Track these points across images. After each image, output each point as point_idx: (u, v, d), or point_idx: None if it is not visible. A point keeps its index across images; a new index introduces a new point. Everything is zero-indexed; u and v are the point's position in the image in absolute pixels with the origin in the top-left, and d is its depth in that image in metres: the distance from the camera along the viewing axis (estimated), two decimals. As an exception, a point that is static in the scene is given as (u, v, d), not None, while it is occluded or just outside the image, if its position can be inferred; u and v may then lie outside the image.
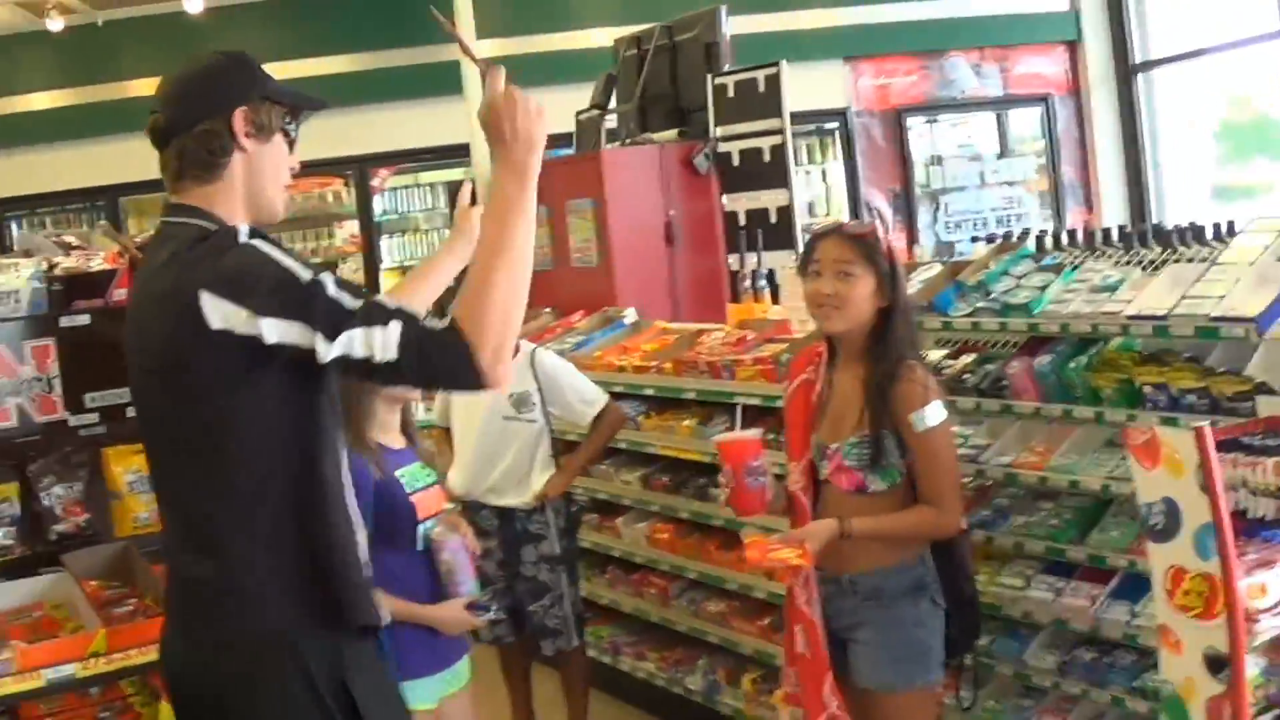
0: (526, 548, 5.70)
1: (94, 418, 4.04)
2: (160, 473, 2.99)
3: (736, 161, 7.46)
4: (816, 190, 11.78)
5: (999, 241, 4.77)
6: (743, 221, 7.42)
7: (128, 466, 4.14)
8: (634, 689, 6.45)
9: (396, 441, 4.48)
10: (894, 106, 12.36)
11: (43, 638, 3.89)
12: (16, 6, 10.46)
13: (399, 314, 2.58)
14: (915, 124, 12.43)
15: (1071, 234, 4.62)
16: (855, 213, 11.68)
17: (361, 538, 3.01)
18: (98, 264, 4.16)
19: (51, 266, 4.18)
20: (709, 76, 7.59)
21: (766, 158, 7.33)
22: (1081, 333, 4.13)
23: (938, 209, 12.31)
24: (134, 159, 10.83)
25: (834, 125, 11.92)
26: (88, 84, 11.44)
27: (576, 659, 5.92)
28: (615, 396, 6.41)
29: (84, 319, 4.01)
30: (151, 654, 3.69)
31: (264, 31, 11.51)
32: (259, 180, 2.86)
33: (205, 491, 2.80)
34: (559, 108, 8.38)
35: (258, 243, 2.71)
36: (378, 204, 11.52)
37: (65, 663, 3.71)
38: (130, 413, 3.91)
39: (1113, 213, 12.25)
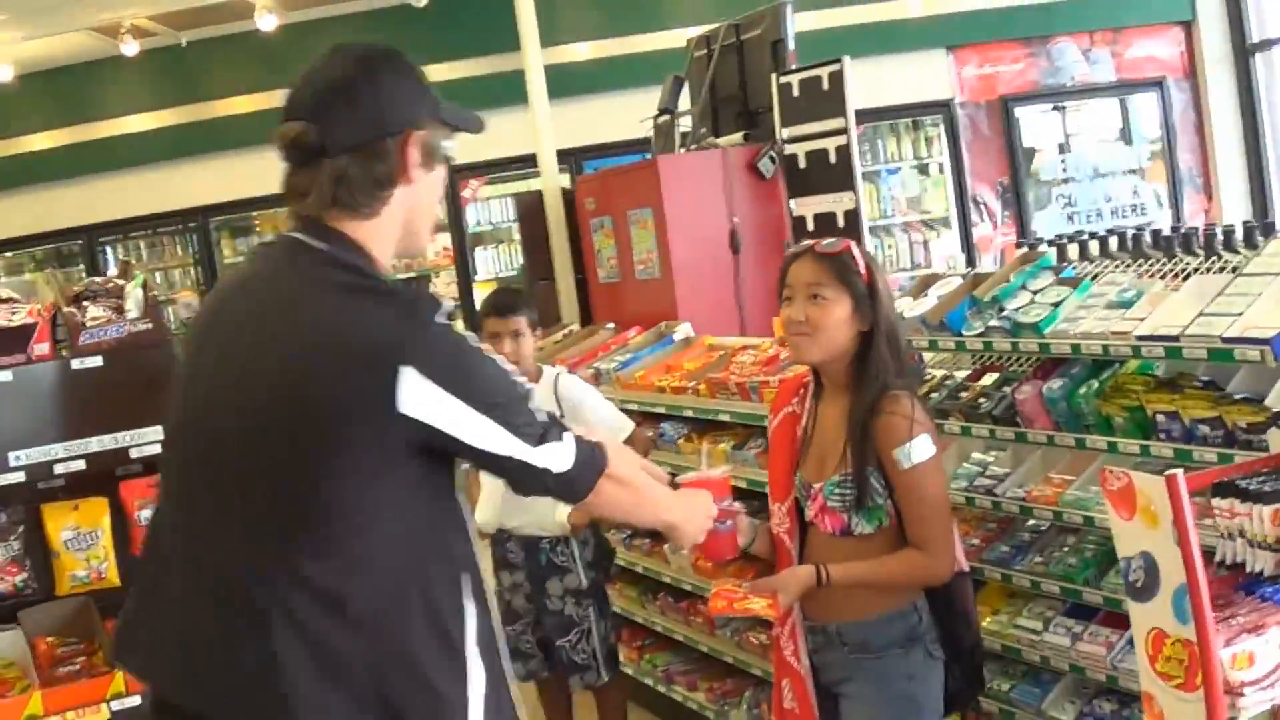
0: (552, 580, 5.51)
1: (20, 476, 3.88)
2: (193, 524, 2.44)
3: (803, 164, 7.10)
4: (919, 186, 11.32)
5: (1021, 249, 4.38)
6: (810, 226, 7.07)
7: (63, 523, 4.03)
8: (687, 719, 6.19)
9: None
10: (1000, 96, 11.83)
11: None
12: (93, 32, 10.47)
13: (563, 425, 2.51)
14: (1023, 113, 11.86)
15: (1104, 240, 4.23)
16: (962, 208, 11.21)
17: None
18: (19, 318, 4.01)
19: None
20: (774, 75, 7.25)
21: (832, 159, 6.96)
22: (1093, 354, 3.73)
23: (1049, 201, 11.75)
24: (224, 179, 10.99)
25: (938, 117, 11.45)
26: (175, 105, 11.48)
27: (610, 694, 5.69)
28: (658, 419, 6.17)
29: (5, 375, 3.87)
30: (89, 715, 3.61)
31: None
32: (419, 217, 2.52)
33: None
34: (641, 110, 8.26)
35: (458, 326, 2.42)
36: (470, 215, 11.34)
37: None
38: (59, 469, 3.80)
39: (1233, 201, 11.60)
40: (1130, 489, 2.85)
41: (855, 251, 3.63)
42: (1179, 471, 2.73)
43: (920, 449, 3.48)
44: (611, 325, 7.29)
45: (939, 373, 4.53)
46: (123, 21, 10.46)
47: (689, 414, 5.84)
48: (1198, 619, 2.69)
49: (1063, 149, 11.93)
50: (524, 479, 2.48)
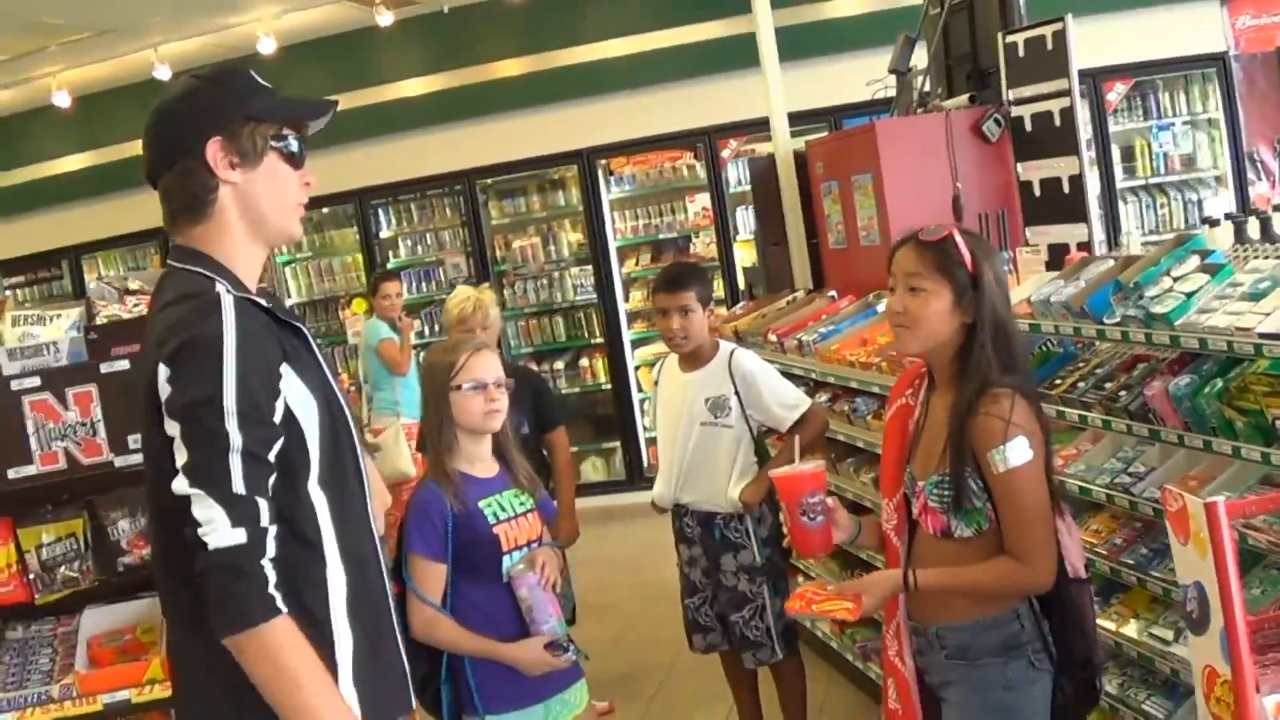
0: (726, 556, 5.49)
1: (138, 458, 4.01)
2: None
3: (1029, 127, 6.76)
4: (1192, 143, 10.63)
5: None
6: (1037, 192, 6.74)
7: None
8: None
9: (485, 470, 4.27)
10: (1278, 48, 10.86)
11: (128, 660, 4.05)
12: (351, 3, 10.75)
13: (256, 530, 2.46)
14: (1305, 63, 10.92)
15: (1266, 220, 3.89)
16: (1238, 165, 10.49)
17: None
18: (139, 309, 4.15)
19: (93, 316, 4.20)
20: (1000, 34, 6.91)
21: (1057, 121, 6.60)
22: (1218, 350, 3.43)
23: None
24: (490, 142, 11.16)
25: (1210, 71, 10.72)
26: (443, 70, 11.66)
27: (787, 672, 5.61)
28: (853, 393, 6.01)
29: (123, 364, 3.97)
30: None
31: (613, 5, 11.45)
32: (256, 210, 2.70)
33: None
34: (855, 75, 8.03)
35: (229, 332, 2.50)
36: (730, 175, 11.23)
37: (121, 688, 3.91)
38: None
39: None
40: (1184, 512, 2.61)
41: (959, 239, 3.40)
42: (1220, 499, 2.47)
43: (1016, 453, 3.23)
44: (832, 293, 7.12)
45: (1093, 360, 4.25)
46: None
47: (876, 390, 5.66)
48: (1234, 662, 2.45)
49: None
50: (179, 513, 2.48)
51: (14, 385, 3.91)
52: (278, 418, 2.53)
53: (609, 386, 11.71)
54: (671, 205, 11.36)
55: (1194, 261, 3.74)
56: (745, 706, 5.83)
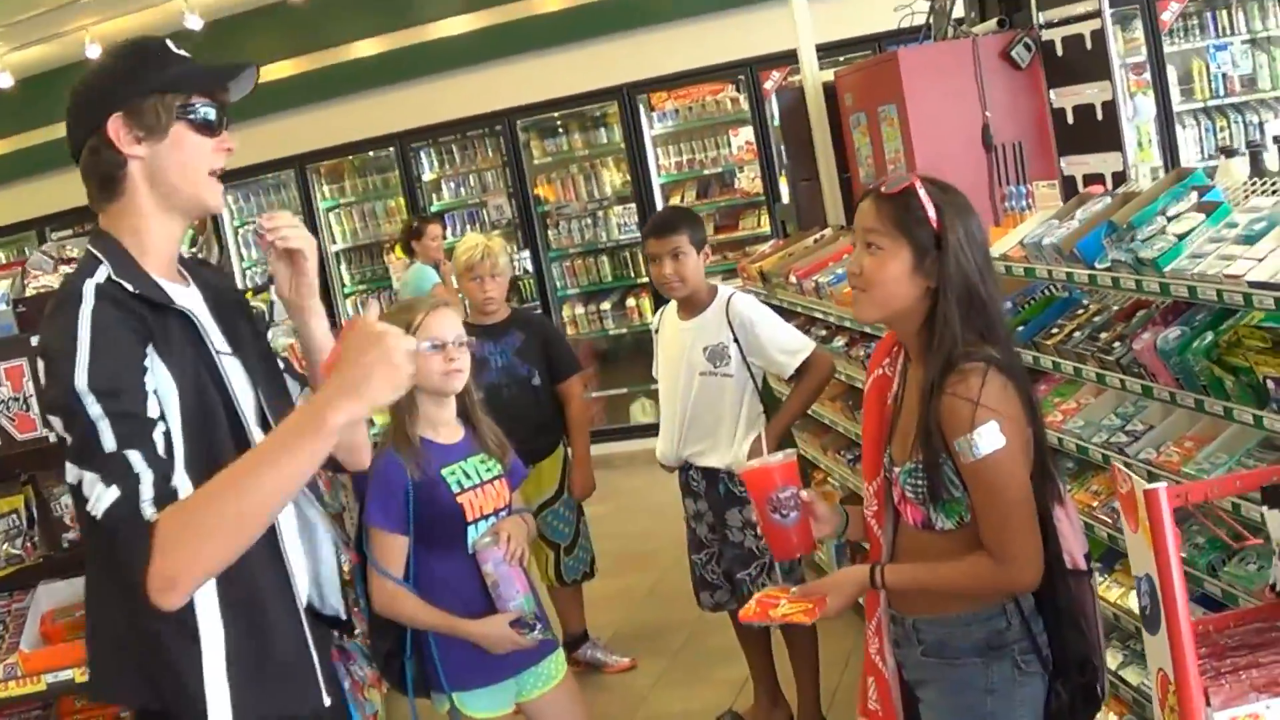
0: (732, 512, 5.29)
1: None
2: None
3: (1060, 51, 6.38)
4: (1252, 63, 10.08)
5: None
6: (1070, 120, 6.36)
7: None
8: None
9: (449, 435, 4.06)
10: None
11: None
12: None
13: (129, 481, 2.36)
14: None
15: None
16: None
17: None
18: (54, 280, 4.06)
19: (24, 288, 4.13)
20: (1030, -48, 6.53)
21: (1088, 45, 6.22)
22: (1208, 300, 3.09)
23: None
24: (530, 81, 10.89)
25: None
26: (485, 8, 11.39)
27: (798, 634, 5.32)
28: (865, 339, 5.72)
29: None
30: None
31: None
32: (166, 183, 2.66)
33: None
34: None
35: (83, 319, 2.47)
36: (774, 107, 10.85)
37: (66, 667, 3.88)
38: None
39: None
40: (1132, 495, 2.29)
41: (921, 192, 2.97)
42: (1161, 486, 2.15)
43: (985, 439, 2.84)
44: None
45: (1092, 306, 3.91)
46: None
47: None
48: (1177, 669, 2.13)
49: None
50: (76, 499, 2.45)
51: (-59, 363, 3.85)
52: (146, 385, 2.47)
53: (657, 326, 11.40)
54: (715, 140, 11.04)
55: (1191, 199, 3.38)
56: (759, 669, 5.59)
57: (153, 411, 2.46)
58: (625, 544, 8.17)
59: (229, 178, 9.68)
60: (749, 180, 10.92)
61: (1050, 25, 6.38)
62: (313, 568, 2.87)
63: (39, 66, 12.14)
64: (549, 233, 11.63)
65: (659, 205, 11.12)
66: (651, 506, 8.90)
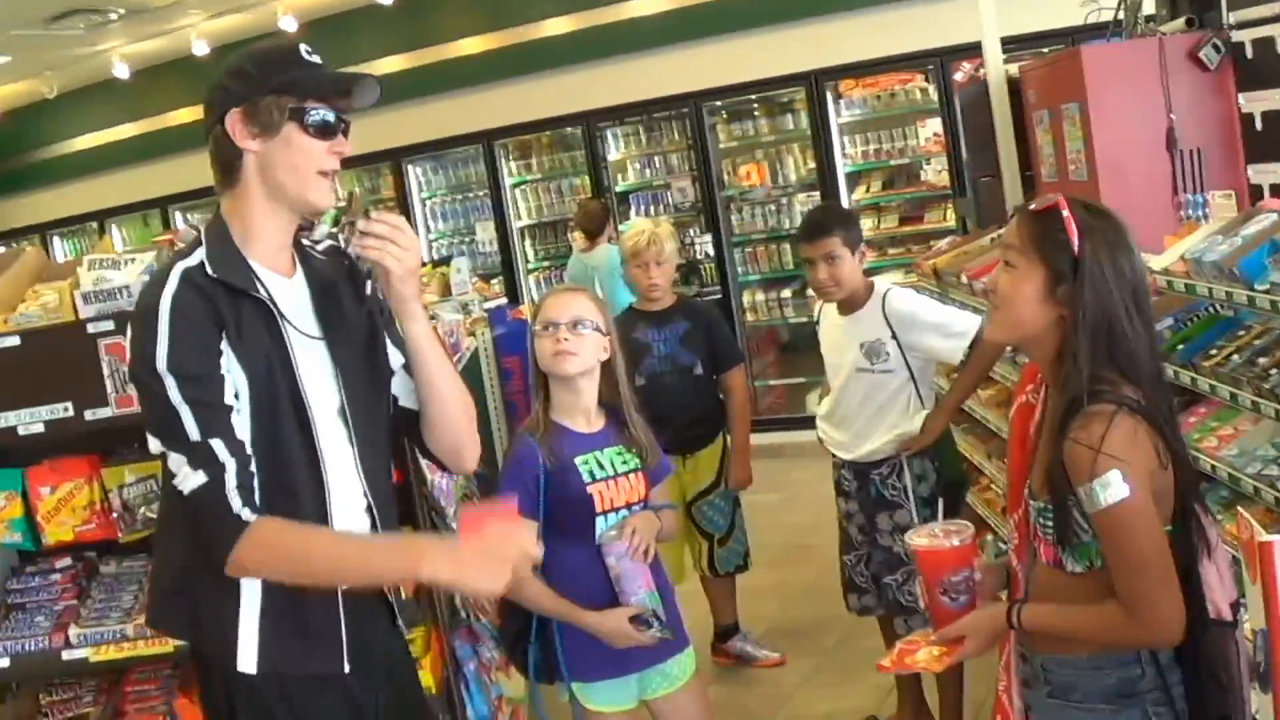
0: (881, 515, 5.22)
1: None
2: None
3: (1250, 53, 6.13)
4: None
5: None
6: (1259, 125, 6.11)
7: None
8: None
9: (586, 424, 4.04)
10: None
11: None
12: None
13: (214, 468, 2.71)
14: None
15: None
16: None
17: None
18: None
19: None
20: (1228, -50, 6.28)
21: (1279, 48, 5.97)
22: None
23: None
24: (718, 63, 10.84)
25: None
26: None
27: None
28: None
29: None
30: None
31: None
32: (274, 177, 2.86)
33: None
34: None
35: (165, 301, 2.74)
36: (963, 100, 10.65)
37: None
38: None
39: None
40: (1254, 544, 2.17)
41: (1066, 214, 2.83)
42: (1278, 539, 2.03)
43: (1108, 489, 2.69)
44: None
45: (1257, 328, 3.75)
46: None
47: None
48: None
49: None
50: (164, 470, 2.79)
51: (90, 329, 3.95)
52: (221, 370, 2.74)
53: (839, 315, 11.28)
54: (903, 130, 10.85)
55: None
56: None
57: (229, 397, 2.73)
58: (789, 536, 8.10)
59: (419, 150, 9.92)
60: (936, 173, 10.73)
61: (1241, 26, 6.13)
62: None
63: (154, 59, 12.63)
64: (732, 218, 11.56)
65: (844, 194, 10.99)
66: (820, 498, 8.74)
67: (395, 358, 3.11)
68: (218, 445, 2.71)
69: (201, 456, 2.70)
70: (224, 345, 2.75)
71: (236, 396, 2.76)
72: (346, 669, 2.93)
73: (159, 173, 13.24)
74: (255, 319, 2.83)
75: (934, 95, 10.52)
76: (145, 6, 10.72)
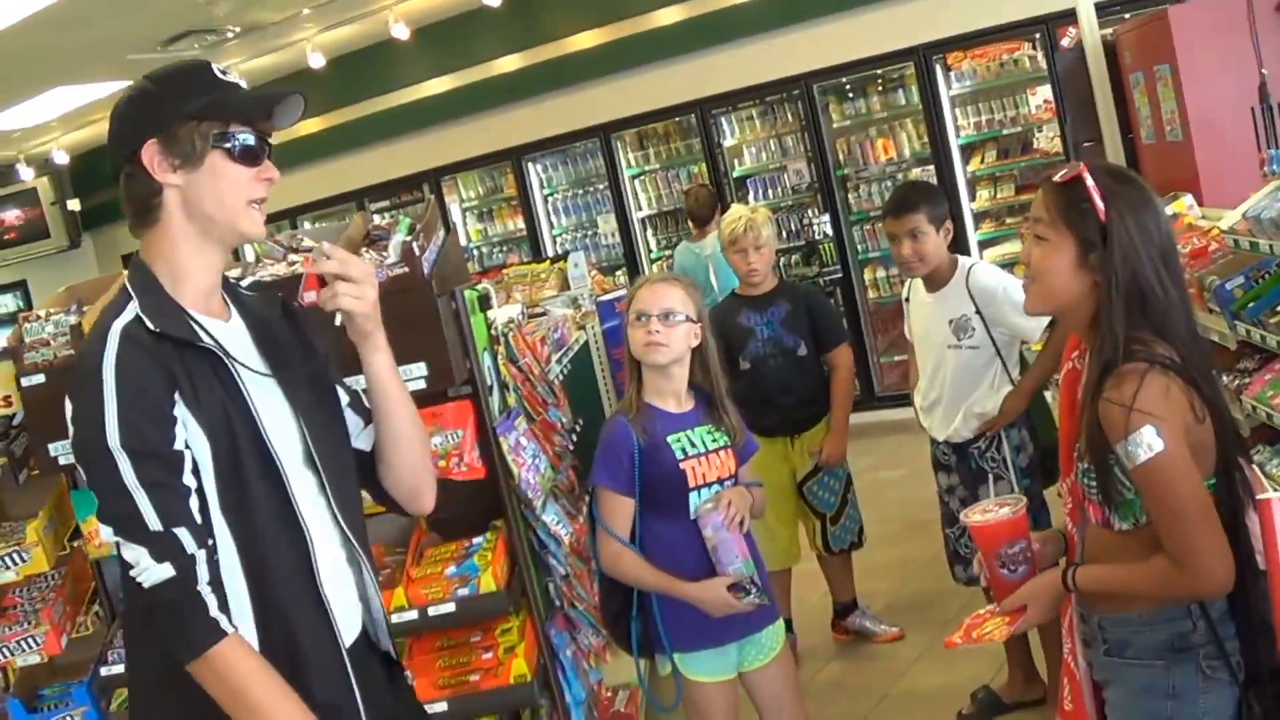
0: (983, 487, 5.24)
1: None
2: None
3: (1342, 5, 6.09)
4: None
5: None
6: (1352, 78, 6.07)
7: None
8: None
9: (678, 405, 4.21)
10: None
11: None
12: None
13: (182, 560, 2.48)
14: None
15: None
16: None
17: None
18: (295, 268, 4.12)
19: (240, 276, 4.27)
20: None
21: (1371, -2, 5.92)
22: None
23: None
24: (826, 44, 10.86)
25: None
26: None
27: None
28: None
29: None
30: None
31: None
32: (201, 213, 2.64)
33: None
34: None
35: (108, 366, 2.50)
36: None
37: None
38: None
39: None
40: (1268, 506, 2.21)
41: (1090, 182, 2.89)
42: (1276, 496, 2.07)
43: (1142, 445, 2.76)
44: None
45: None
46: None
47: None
48: None
49: None
50: (120, 562, 2.54)
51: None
52: (178, 443, 2.51)
53: (957, 290, 11.23)
54: (1014, 99, 10.77)
55: None
56: (1014, 648, 5.55)
57: (188, 478, 2.52)
58: (912, 512, 8.15)
59: (539, 147, 10.07)
60: (1048, 140, 10.62)
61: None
62: (364, 608, 2.90)
63: (348, 46, 12.72)
64: (849, 196, 11.58)
65: (958, 167, 10.95)
66: (943, 474, 8.85)
67: (342, 396, 2.93)
68: (183, 535, 2.49)
69: (165, 549, 2.47)
70: (178, 410, 2.52)
71: (195, 470, 2.54)
72: None
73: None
74: (204, 370, 2.60)
75: (1042, 62, 10.43)
76: (260, 24, 10.95)
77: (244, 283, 2.93)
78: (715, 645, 4.15)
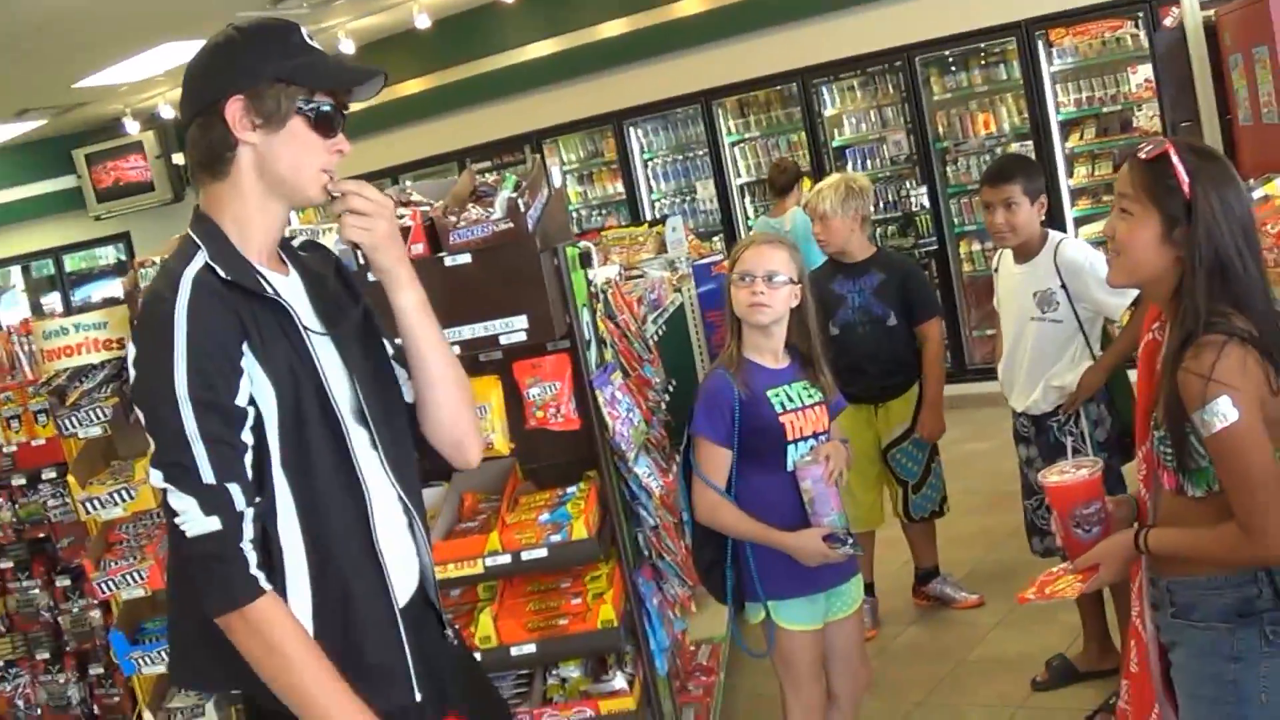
0: (1061, 460, 5.25)
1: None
2: None
3: None
4: None
5: None
6: None
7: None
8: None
9: (775, 361, 4.36)
10: None
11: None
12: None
13: (230, 515, 2.49)
14: None
15: None
16: None
17: None
18: (407, 222, 4.23)
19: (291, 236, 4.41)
20: None
21: None
22: None
23: None
24: (929, 15, 10.90)
25: None
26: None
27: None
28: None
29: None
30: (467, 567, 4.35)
31: None
32: (273, 173, 2.64)
33: None
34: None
35: (180, 312, 2.49)
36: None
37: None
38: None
39: None
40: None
41: (1175, 158, 3.00)
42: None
43: (1218, 414, 2.87)
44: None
45: None
46: None
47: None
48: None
49: None
50: (165, 508, 2.55)
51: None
52: (242, 397, 2.51)
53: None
54: (1115, 77, 10.74)
55: None
56: (1090, 617, 5.65)
57: (246, 434, 2.52)
58: (998, 483, 8.22)
59: (640, 111, 10.18)
60: (1148, 119, 10.59)
61: None
62: (420, 565, 2.89)
63: (454, 7, 12.95)
64: (947, 169, 11.62)
65: (1057, 144, 10.95)
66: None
67: (388, 349, 2.92)
68: (234, 490, 2.49)
69: (215, 502, 2.47)
70: (245, 361, 2.52)
71: (255, 426, 2.54)
72: (418, 698, 2.73)
73: (378, 146, 13.46)
74: (271, 322, 2.60)
75: (1144, 41, 10.41)
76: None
77: (295, 241, 2.91)
78: (807, 594, 4.30)
